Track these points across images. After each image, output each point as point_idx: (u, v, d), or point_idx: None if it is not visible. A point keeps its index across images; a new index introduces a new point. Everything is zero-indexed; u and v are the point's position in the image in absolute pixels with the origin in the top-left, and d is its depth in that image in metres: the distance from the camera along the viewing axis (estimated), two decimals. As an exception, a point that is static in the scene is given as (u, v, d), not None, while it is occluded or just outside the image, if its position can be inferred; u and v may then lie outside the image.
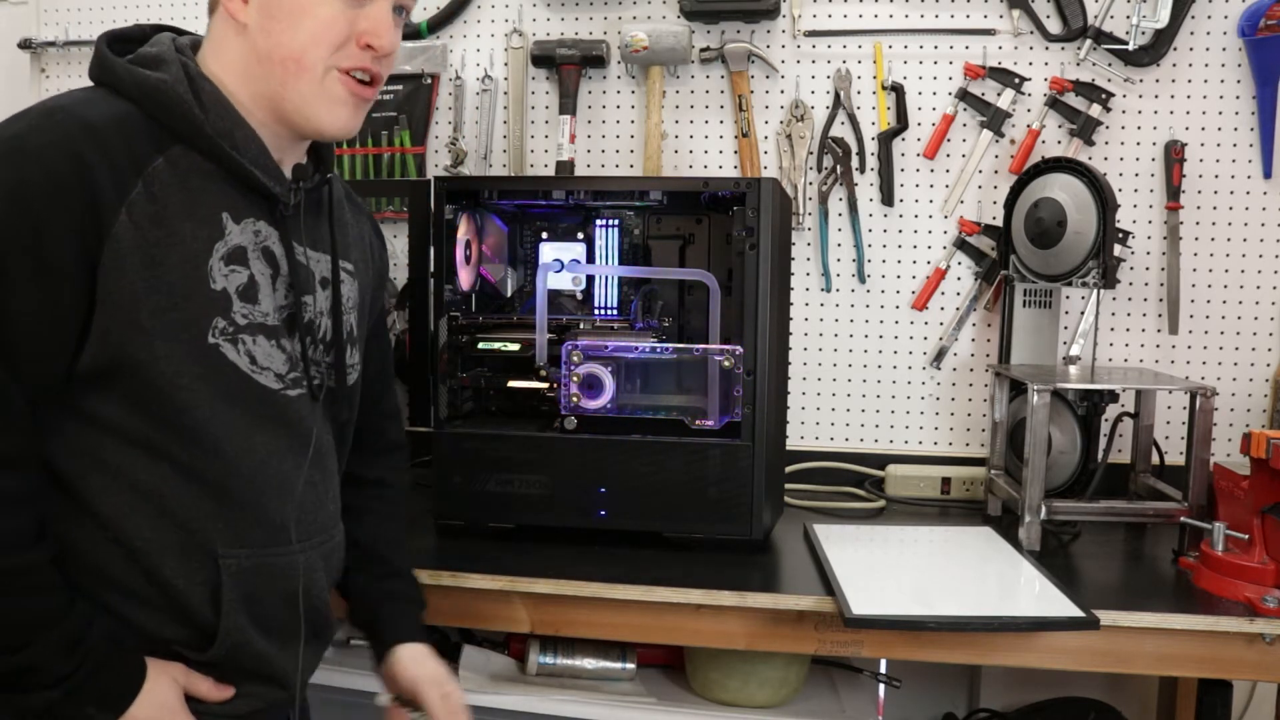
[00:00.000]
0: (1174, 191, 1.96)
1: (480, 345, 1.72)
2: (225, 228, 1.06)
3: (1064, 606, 1.36)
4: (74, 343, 0.99)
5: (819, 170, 2.08)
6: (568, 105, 2.09)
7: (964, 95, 2.02)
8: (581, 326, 1.72)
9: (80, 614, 1.02)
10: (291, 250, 1.12)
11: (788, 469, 1.96)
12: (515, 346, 1.70)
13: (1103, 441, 1.83)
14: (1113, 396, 1.85)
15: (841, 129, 2.08)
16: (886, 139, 2.05)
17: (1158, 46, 1.95)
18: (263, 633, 1.11)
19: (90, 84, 1.09)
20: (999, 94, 2.01)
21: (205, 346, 1.04)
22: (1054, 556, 1.62)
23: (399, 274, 2.17)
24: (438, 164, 2.18)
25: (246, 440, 1.08)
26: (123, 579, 1.05)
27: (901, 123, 2.05)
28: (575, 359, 1.62)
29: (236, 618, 1.08)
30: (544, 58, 2.10)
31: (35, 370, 0.99)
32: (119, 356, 1.00)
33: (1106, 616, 1.34)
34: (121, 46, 1.10)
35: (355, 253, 1.27)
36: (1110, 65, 1.97)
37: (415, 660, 1.29)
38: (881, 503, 1.96)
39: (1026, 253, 1.89)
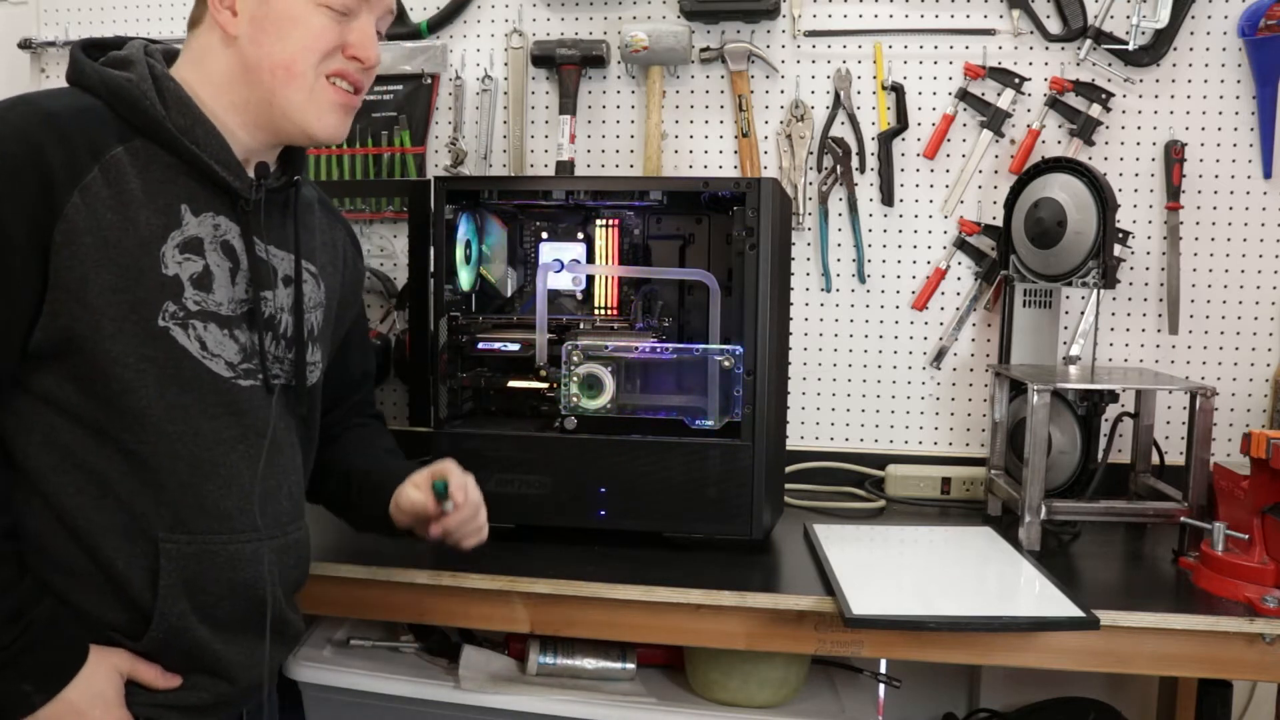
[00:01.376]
0: (1174, 191, 1.96)
1: (480, 345, 1.72)
2: (183, 218, 1.10)
3: (1064, 606, 1.36)
4: (28, 319, 1.03)
5: (819, 170, 2.08)
6: (568, 105, 2.09)
7: (964, 95, 2.02)
8: (581, 326, 1.72)
9: (27, 588, 1.05)
10: (252, 245, 1.16)
11: (788, 469, 1.96)
12: (515, 346, 1.70)
13: (1103, 441, 1.83)
14: (1113, 396, 1.85)
15: (841, 129, 2.08)
16: (886, 139, 2.05)
17: (1158, 46, 1.95)
18: (205, 621, 1.12)
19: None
20: (999, 94, 2.01)
21: (155, 329, 1.07)
22: (1054, 556, 1.62)
23: (399, 274, 2.18)
24: (438, 164, 2.18)
25: (192, 425, 1.10)
26: (65, 558, 1.07)
27: (901, 123, 2.05)
28: (575, 359, 1.62)
29: (175, 603, 1.09)
30: (544, 58, 2.10)
31: None
32: (67, 334, 1.04)
33: (1106, 616, 1.34)
34: (97, 52, 1.15)
35: (324, 256, 1.31)
36: (1110, 65, 1.97)
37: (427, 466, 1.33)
38: (881, 503, 1.96)
39: (1026, 253, 1.89)
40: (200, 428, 1.10)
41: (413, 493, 1.29)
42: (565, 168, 2.07)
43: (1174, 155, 1.96)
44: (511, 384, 1.72)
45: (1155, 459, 1.86)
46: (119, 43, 1.17)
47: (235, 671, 1.16)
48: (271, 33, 1.12)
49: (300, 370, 1.23)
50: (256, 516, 1.15)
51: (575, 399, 1.62)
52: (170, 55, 1.18)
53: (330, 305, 1.32)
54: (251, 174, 1.17)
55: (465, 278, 1.75)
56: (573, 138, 2.09)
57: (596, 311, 1.80)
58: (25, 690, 1.03)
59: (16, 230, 1.01)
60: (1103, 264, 1.80)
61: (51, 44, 2.29)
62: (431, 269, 1.73)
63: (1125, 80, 1.97)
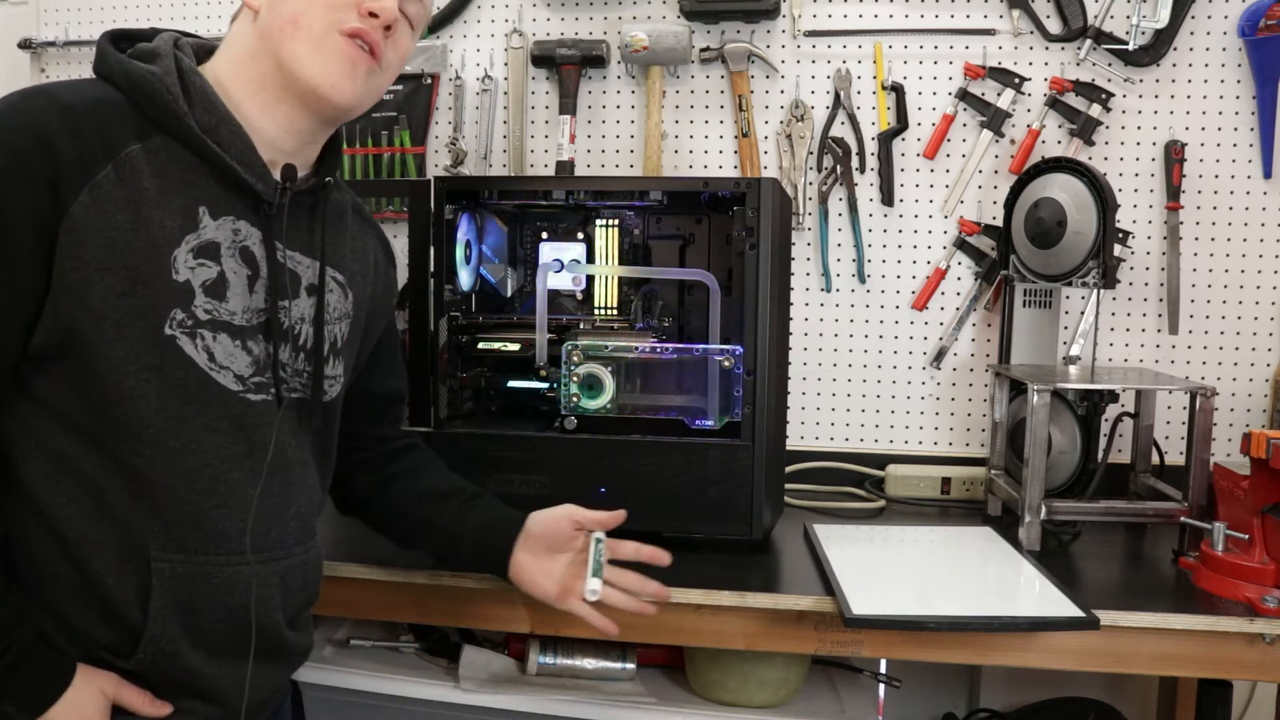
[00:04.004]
0: (1174, 191, 1.97)
1: (480, 345, 1.72)
2: (200, 221, 1.05)
3: (1064, 606, 1.36)
4: (29, 317, 0.99)
5: (819, 170, 2.08)
6: (568, 105, 2.09)
7: (964, 95, 2.02)
8: (581, 326, 1.72)
9: (11, 606, 1.01)
10: (273, 252, 1.10)
11: (788, 469, 1.96)
12: (515, 346, 1.70)
13: (1103, 441, 1.82)
14: (1113, 396, 1.85)
15: (841, 129, 2.08)
16: (886, 139, 2.05)
17: (1158, 46, 1.95)
18: (197, 645, 1.07)
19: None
20: (999, 94, 2.01)
21: (160, 337, 1.02)
22: (1054, 556, 1.62)
23: (399, 274, 2.17)
24: (438, 164, 2.18)
25: (194, 439, 1.05)
26: (56, 570, 1.03)
27: (901, 123, 2.05)
28: (575, 359, 1.62)
29: (166, 625, 1.05)
30: (544, 58, 2.10)
31: None
32: (67, 337, 1.00)
33: (1106, 616, 1.34)
34: (126, 43, 1.10)
35: (355, 264, 1.24)
36: (1110, 65, 1.97)
37: (550, 514, 1.34)
38: (881, 503, 1.96)
39: (1026, 253, 1.89)
40: (203, 442, 1.05)
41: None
42: (565, 168, 2.07)
43: (1174, 155, 1.96)
44: (511, 384, 1.72)
45: (1155, 459, 1.86)
46: (150, 35, 1.11)
47: (228, 697, 1.11)
48: None
49: (317, 384, 1.16)
50: (262, 539, 1.10)
51: (575, 399, 1.62)
52: (205, 50, 1.13)
53: (358, 316, 1.24)
54: (277, 176, 1.11)
55: (465, 278, 1.75)
56: (573, 138, 2.09)
57: (596, 311, 1.80)
58: (7, 711, 0.99)
59: (20, 225, 0.97)
60: (1103, 264, 1.80)
61: (51, 44, 2.29)
62: (431, 269, 1.72)
63: (1125, 80, 1.97)
